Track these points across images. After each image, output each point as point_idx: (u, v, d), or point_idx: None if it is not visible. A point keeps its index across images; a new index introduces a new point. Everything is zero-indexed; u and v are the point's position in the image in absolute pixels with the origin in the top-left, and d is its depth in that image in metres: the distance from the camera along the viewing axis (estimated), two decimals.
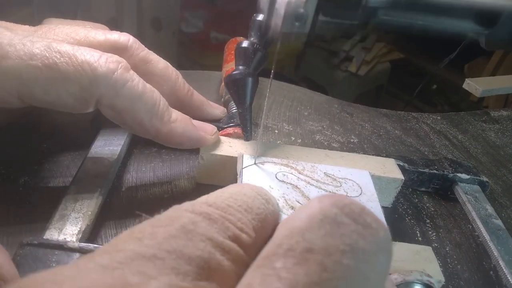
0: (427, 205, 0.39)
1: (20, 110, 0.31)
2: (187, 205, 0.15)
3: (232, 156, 0.34)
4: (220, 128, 0.38)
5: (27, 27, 0.32)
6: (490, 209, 0.38)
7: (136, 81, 0.30)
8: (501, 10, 0.26)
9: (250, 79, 0.33)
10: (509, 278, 0.31)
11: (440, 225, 0.37)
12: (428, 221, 0.37)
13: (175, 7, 1.44)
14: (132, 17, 1.24)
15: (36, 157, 0.35)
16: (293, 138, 0.45)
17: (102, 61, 0.28)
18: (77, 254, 0.24)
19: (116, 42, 0.33)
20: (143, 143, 0.39)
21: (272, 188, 0.30)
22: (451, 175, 0.40)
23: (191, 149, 0.34)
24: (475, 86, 0.65)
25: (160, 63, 0.36)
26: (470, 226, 0.38)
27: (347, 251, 0.12)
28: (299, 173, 0.33)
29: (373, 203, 0.31)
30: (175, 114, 0.32)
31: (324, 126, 0.49)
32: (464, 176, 0.40)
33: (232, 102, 0.41)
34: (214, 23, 1.57)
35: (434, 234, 0.36)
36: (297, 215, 0.14)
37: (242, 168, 0.32)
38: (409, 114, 0.57)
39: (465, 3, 0.27)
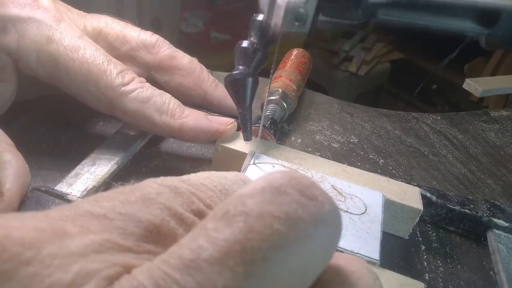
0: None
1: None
2: (160, 178, 0.15)
3: (244, 152, 0.34)
4: None
5: (81, 12, 0.38)
6: None
7: (146, 88, 0.33)
8: (502, 9, 0.26)
9: (250, 79, 0.33)
10: None
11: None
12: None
13: (175, 7, 1.44)
14: (132, 17, 1.24)
15: (36, 156, 0.35)
16: (293, 138, 0.45)
17: (122, 73, 0.33)
18: None
19: (146, 40, 0.38)
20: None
21: None
22: (486, 219, 0.35)
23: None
24: (475, 86, 0.65)
25: (184, 59, 0.39)
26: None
27: (282, 218, 0.12)
28: None
29: (373, 225, 0.29)
30: (188, 111, 0.35)
31: (324, 126, 0.49)
32: (501, 223, 0.34)
33: (267, 104, 0.42)
34: (214, 23, 1.58)
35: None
36: (246, 185, 0.14)
37: (248, 165, 0.32)
38: (409, 114, 0.57)
39: (466, 2, 0.27)
